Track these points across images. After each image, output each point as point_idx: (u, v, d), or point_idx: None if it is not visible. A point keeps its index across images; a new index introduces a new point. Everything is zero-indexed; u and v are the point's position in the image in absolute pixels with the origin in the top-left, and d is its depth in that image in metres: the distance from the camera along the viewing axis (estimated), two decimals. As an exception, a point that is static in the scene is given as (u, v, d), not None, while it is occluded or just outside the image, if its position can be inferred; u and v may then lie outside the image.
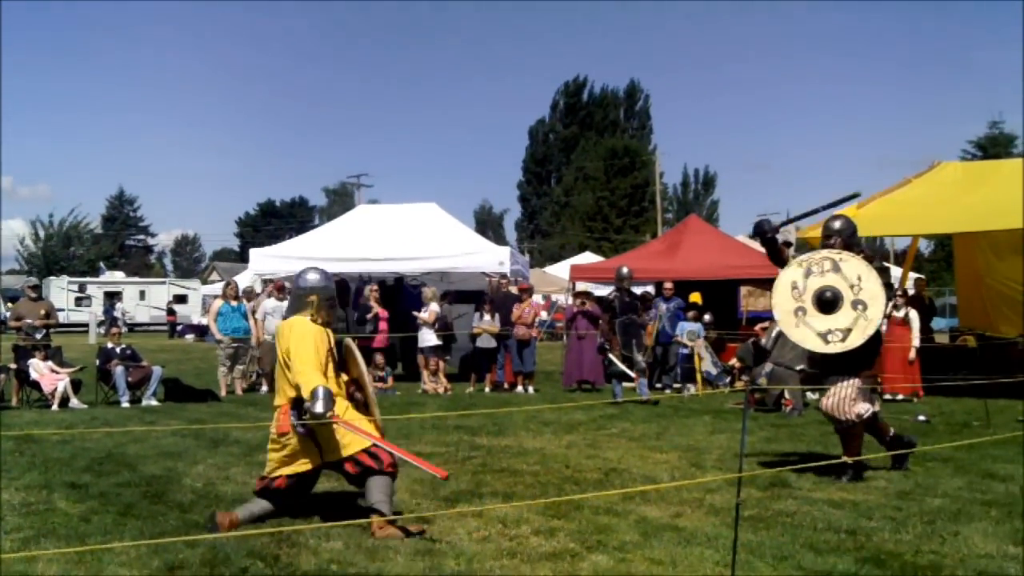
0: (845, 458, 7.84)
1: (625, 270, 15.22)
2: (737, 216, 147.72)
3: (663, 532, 6.11)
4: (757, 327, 15.58)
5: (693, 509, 6.78)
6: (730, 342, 17.35)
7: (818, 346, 7.70)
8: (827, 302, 7.64)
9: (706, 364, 16.43)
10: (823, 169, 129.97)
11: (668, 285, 17.41)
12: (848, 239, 8.07)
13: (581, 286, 18.92)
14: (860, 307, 7.58)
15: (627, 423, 11.88)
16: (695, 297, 17.86)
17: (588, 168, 76.98)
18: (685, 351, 16.34)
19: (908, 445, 8.20)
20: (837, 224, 8.17)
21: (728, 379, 16.31)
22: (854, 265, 7.71)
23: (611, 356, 14.39)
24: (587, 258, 40.78)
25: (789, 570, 5.26)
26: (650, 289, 17.95)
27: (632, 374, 14.18)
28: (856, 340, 7.57)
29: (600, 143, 78.95)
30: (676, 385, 16.53)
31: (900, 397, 14.59)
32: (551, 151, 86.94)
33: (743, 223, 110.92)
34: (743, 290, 18.20)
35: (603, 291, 19.42)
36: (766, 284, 16.75)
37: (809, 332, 7.67)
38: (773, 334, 13.42)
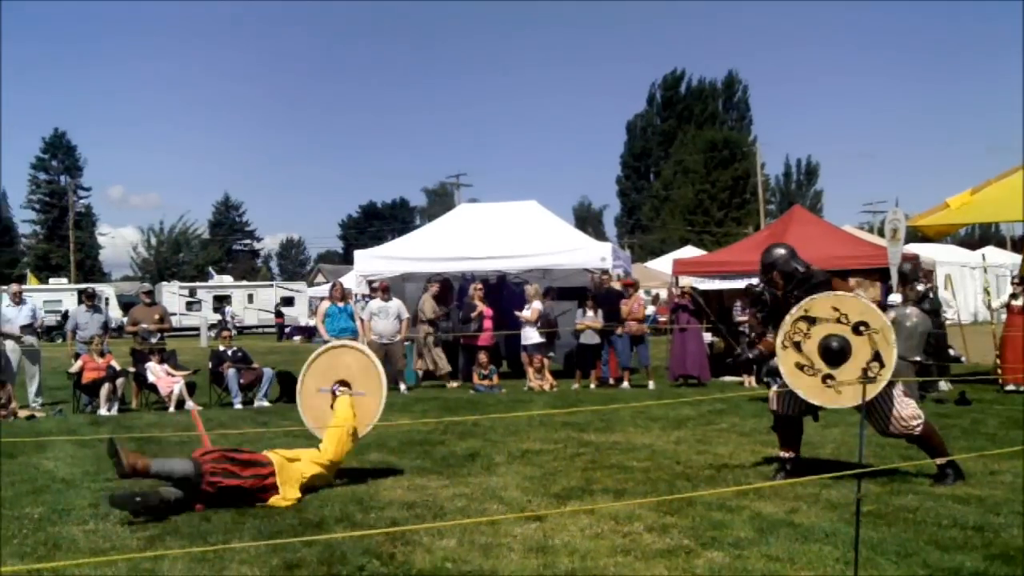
0: (937, 462, 7.40)
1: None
2: (842, 206, 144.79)
3: (779, 528, 5.99)
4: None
5: (809, 505, 6.64)
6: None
7: (872, 389, 7.08)
8: (837, 351, 7.23)
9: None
10: (930, 156, 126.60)
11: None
12: (784, 267, 7.83)
13: (684, 280, 18.68)
14: (863, 327, 7.17)
15: (736, 418, 11.72)
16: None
17: (687, 161, 76.14)
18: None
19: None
20: (773, 256, 7.96)
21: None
22: (822, 303, 7.37)
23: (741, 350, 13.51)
24: (689, 252, 40.33)
25: (914, 568, 5.10)
26: (754, 281, 17.65)
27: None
28: (890, 356, 7.11)
29: (699, 135, 78.01)
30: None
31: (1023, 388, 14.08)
32: (649, 145, 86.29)
33: (849, 213, 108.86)
34: (851, 281, 17.73)
35: (707, 285, 19.23)
36: (875, 274, 16.38)
37: (852, 387, 7.14)
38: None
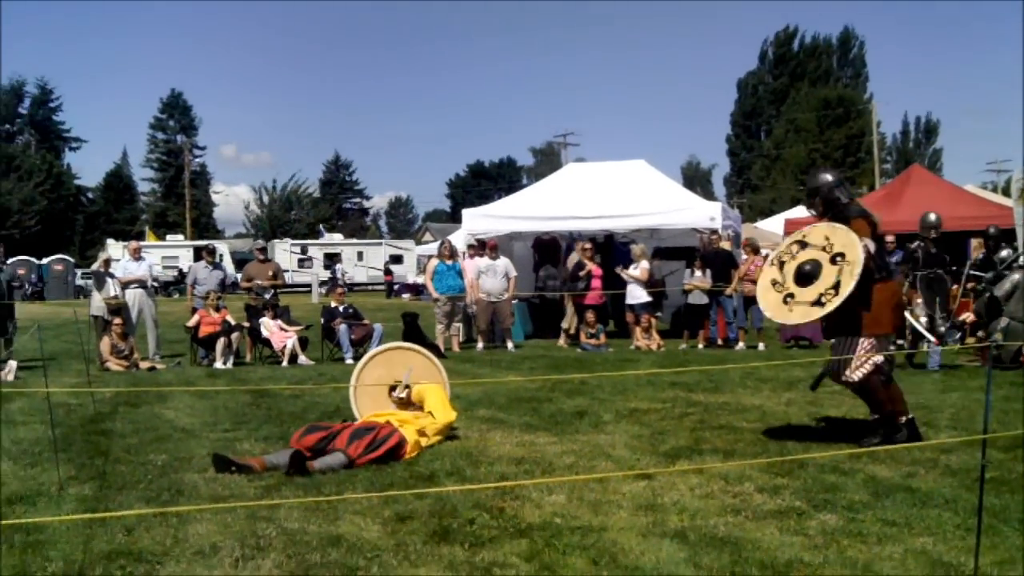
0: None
1: (932, 217, 13.52)
2: (963, 165, 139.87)
3: (895, 492, 5.86)
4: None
5: (927, 470, 6.47)
6: (961, 297, 16.45)
7: (817, 312, 7.31)
8: (807, 275, 7.38)
9: (911, 318, 15.64)
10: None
11: (889, 238, 16.63)
12: (828, 195, 7.67)
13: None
14: (839, 258, 7.22)
15: (849, 381, 11.46)
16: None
17: (800, 120, 74.50)
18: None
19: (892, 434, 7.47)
20: (818, 181, 7.78)
21: (958, 335, 15.48)
22: (818, 231, 7.49)
23: (907, 316, 12.58)
24: (800, 212, 39.44)
25: (1038, 536, 4.94)
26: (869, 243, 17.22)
27: (932, 338, 12.67)
28: (847, 286, 7.11)
29: (812, 93, 76.21)
30: (899, 341, 15.82)
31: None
32: (760, 103, 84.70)
33: (970, 172, 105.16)
34: (973, 242, 17.18)
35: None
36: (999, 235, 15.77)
37: (803, 307, 7.36)
38: (1007, 287, 12.63)
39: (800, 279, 7.44)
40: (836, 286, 7.19)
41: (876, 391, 7.49)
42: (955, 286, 13.71)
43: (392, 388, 8.28)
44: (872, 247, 7.28)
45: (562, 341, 17.49)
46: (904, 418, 7.46)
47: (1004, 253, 14.21)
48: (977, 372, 12.07)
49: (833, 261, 7.26)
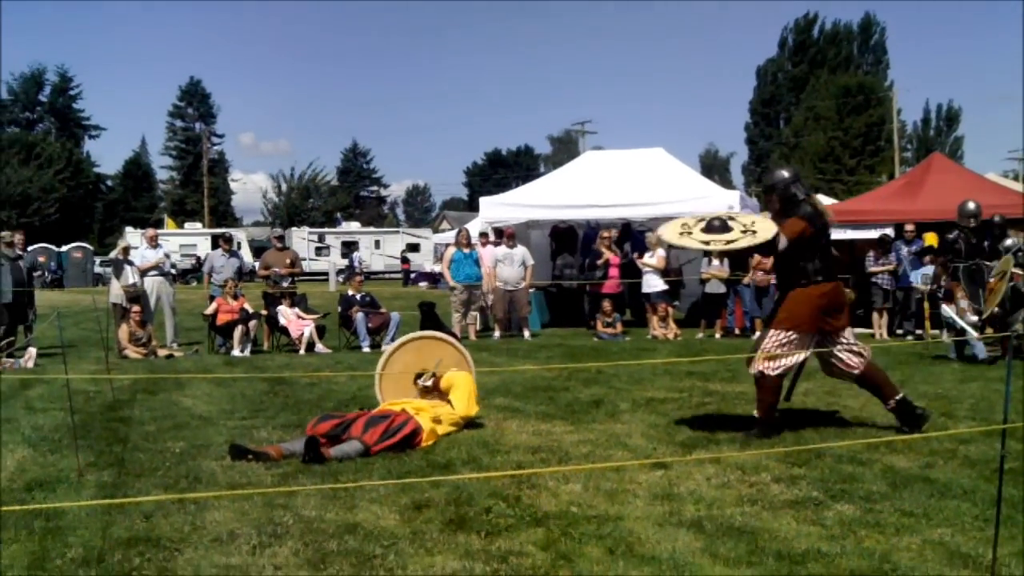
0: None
1: (972, 205, 13.17)
2: (985, 153, 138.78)
3: (913, 483, 5.84)
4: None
5: (946, 460, 6.44)
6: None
7: (697, 241, 7.60)
8: (713, 228, 7.56)
9: (950, 309, 15.57)
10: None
11: (909, 227, 16.61)
12: (784, 192, 7.64)
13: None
14: (750, 234, 7.41)
15: (867, 370, 11.41)
16: (930, 239, 16.93)
17: (819, 107, 73.90)
18: (918, 296, 15.55)
19: (915, 421, 7.51)
20: (774, 178, 7.79)
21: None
22: (750, 216, 7.85)
23: (946, 308, 12.63)
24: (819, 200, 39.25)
25: (1058, 527, 4.91)
26: (889, 231, 17.14)
27: (974, 333, 12.33)
28: (738, 244, 7.41)
29: (832, 81, 75.57)
30: (918, 332, 15.77)
31: None
32: (780, 91, 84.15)
33: (992, 160, 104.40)
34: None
35: (838, 234, 18.70)
36: (1021, 224, 15.67)
37: (698, 235, 7.60)
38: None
39: (706, 230, 7.61)
40: (730, 242, 7.44)
41: (766, 389, 7.50)
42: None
43: (418, 376, 8.27)
44: (783, 243, 7.36)
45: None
46: (764, 422, 7.52)
47: (1009, 242, 14.10)
48: (996, 362, 11.99)
49: (743, 232, 7.46)
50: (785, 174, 7.78)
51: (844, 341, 7.61)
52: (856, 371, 7.61)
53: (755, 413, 7.63)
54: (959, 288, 12.62)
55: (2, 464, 6.72)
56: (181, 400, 9.77)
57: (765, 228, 7.48)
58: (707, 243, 7.56)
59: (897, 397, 7.61)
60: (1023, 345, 12.42)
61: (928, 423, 7.52)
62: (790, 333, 7.42)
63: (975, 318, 12.45)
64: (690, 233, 7.65)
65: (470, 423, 7.89)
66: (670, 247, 17.35)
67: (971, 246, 12.86)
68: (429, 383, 8.13)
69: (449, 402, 7.85)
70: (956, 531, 4.88)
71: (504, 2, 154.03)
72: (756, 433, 7.41)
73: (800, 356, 7.51)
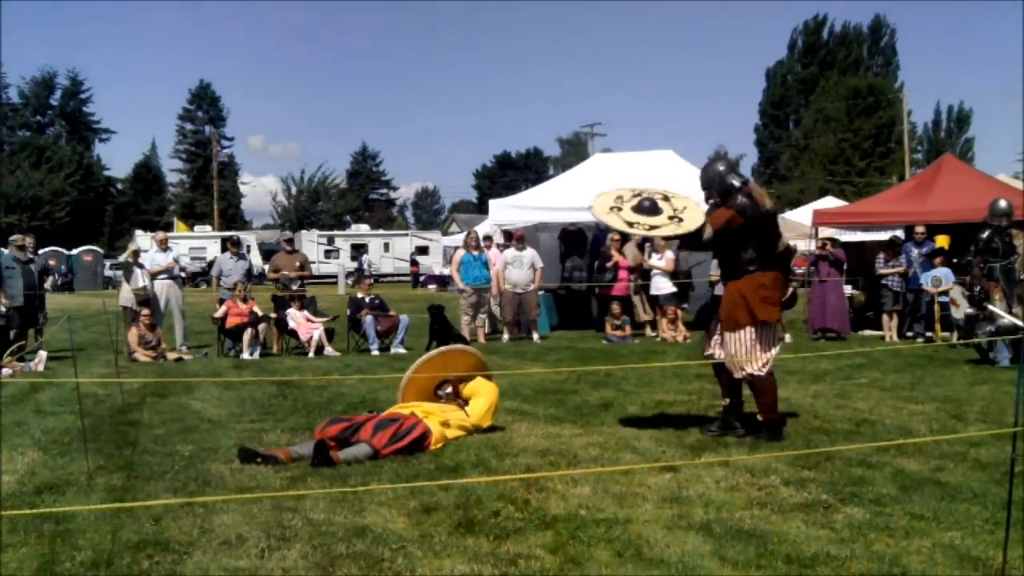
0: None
1: (1003, 204, 12.87)
2: (996, 154, 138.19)
3: (923, 486, 5.82)
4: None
5: (956, 463, 6.42)
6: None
7: (624, 222, 7.60)
8: (643, 208, 7.62)
9: (961, 311, 15.52)
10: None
11: (920, 229, 16.54)
12: (721, 184, 7.66)
13: (824, 232, 18.19)
14: (676, 220, 7.51)
15: (877, 373, 11.41)
16: (941, 241, 16.90)
17: (829, 109, 73.78)
18: (928, 299, 15.51)
19: (773, 435, 7.47)
20: (709, 173, 7.80)
21: (990, 328, 15.31)
22: (685, 199, 7.83)
23: (992, 308, 12.05)
24: (829, 203, 39.19)
25: (1068, 531, 4.89)
26: (899, 233, 17.10)
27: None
28: (663, 231, 7.56)
29: (842, 82, 75.43)
30: (928, 334, 15.73)
31: None
32: (789, 93, 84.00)
33: (1003, 161, 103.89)
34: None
35: (848, 236, 18.66)
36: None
37: (627, 213, 7.63)
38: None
39: (636, 208, 7.65)
40: (653, 228, 7.56)
41: (764, 390, 7.47)
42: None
43: (439, 386, 8.22)
44: (708, 233, 7.42)
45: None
46: (771, 422, 7.49)
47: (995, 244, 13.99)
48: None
49: (671, 219, 7.53)
50: (720, 167, 7.83)
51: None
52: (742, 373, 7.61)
53: (758, 417, 7.57)
54: (997, 288, 12.28)
55: (12, 468, 6.74)
56: (190, 403, 9.78)
57: (692, 217, 7.53)
58: (631, 224, 7.60)
59: (775, 417, 7.62)
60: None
61: (767, 443, 7.32)
62: (753, 329, 7.42)
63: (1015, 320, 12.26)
64: (620, 209, 7.67)
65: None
66: (679, 249, 17.42)
67: (1007, 245, 12.53)
68: (448, 390, 8.11)
69: (464, 405, 7.84)
70: (966, 534, 4.86)
71: (514, 4, 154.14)
72: (766, 436, 7.38)
73: (777, 348, 7.51)
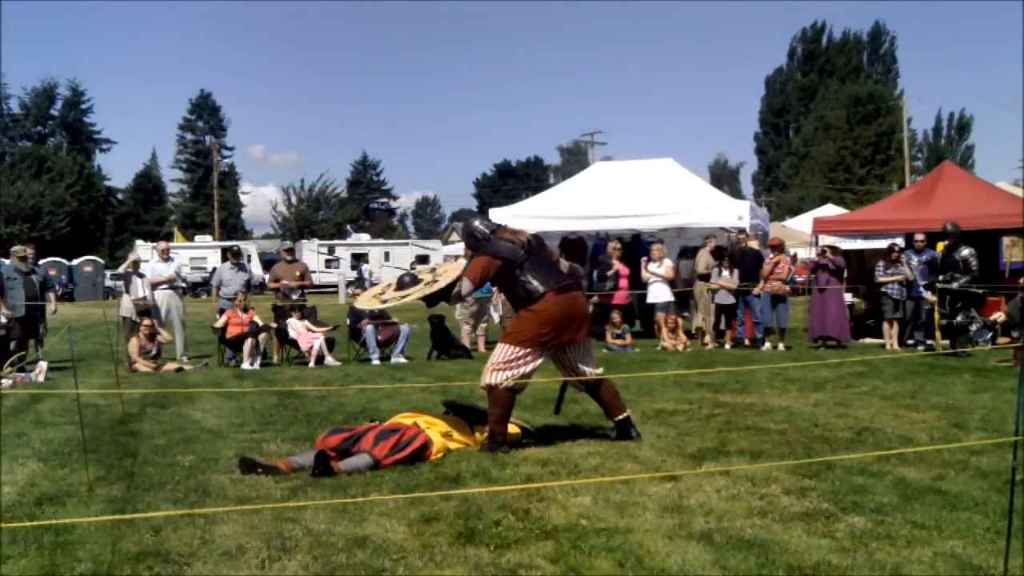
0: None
1: (948, 227, 13.23)
2: (997, 162, 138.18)
3: (925, 495, 5.81)
4: (1022, 280, 14.56)
5: (957, 472, 6.41)
6: (991, 296, 16.31)
7: (372, 302, 8.38)
8: (405, 284, 8.08)
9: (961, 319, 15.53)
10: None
11: (919, 237, 16.55)
12: (470, 237, 8.01)
13: (824, 240, 18.22)
14: (431, 284, 7.92)
15: (878, 381, 11.40)
16: (941, 248, 16.91)
17: (829, 117, 73.95)
18: (928, 307, 15.52)
19: (628, 437, 7.71)
20: (464, 228, 8.15)
21: (989, 335, 15.33)
22: (447, 264, 8.61)
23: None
24: (829, 210, 39.25)
25: (1070, 539, 4.87)
26: (899, 241, 17.11)
27: None
28: (413, 295, 7.87)
29: (842, 90, 75.62)
30: (929, 342, 15.72)
31: None
32: (789, 101, 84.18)
33: (1003, 169, 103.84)
34: (1005, 240, 17.04)
35: (848, 244, 18.69)
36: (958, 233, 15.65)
37: (375, 301, 8.39)
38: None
39: (397, 287, 8.14)
40: (405, 297, 7.97)
41: (496, 402, 7.46)
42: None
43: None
44: (467, 288, 7.62)
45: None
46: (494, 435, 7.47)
47: (965, 252, 14.22)
48: (1008, 373, 11.95)
49: (427, 284, 7.93)
50: (473, 221, 8.21)
51: (580, 353, 7.75)
52: (590, 383, 7.77)
53: (487, 427, 7.57)
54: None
55: (12, 479, 6.73)
56: (191, 414, 9.78)
57: (448, 274, 7.95)
58: (384, 301, 8.16)
59: (622, 416, 7.76)
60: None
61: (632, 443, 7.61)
62: (516, 349, 7.48)
63: None
64: (383, 293, 8.29)
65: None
66: (679, 258, 17.43)
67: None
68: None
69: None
70: (967, 543, 4.86)
71: (514, 13, 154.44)
72: (487, 447, 7.38)
73: (527, 368, 7.52)
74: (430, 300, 7.92)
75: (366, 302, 8.35)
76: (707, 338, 17.07)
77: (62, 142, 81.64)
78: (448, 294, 7.72)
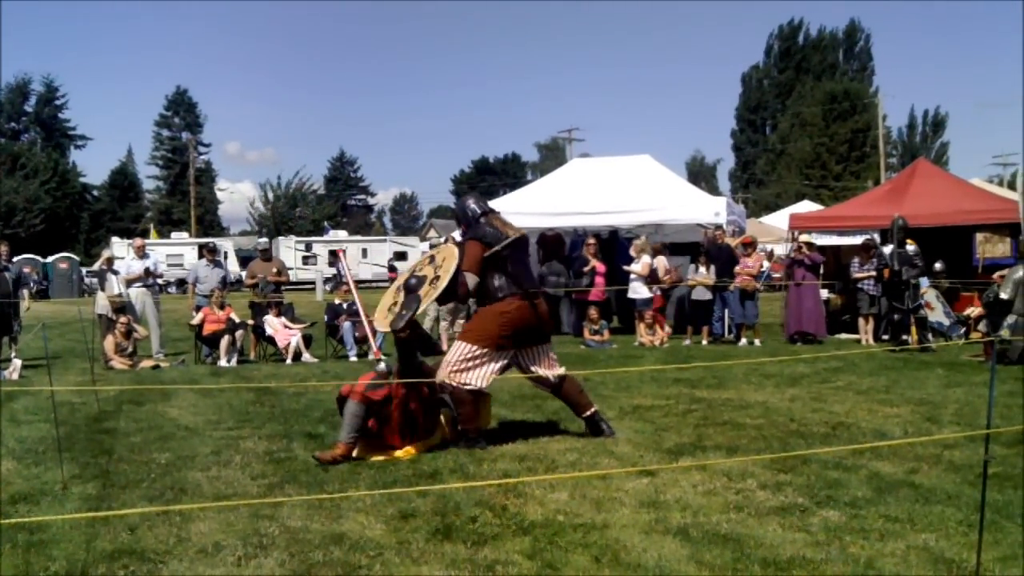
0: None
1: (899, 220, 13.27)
2: (970, 158, 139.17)
3: (898, 488, 5.86)
4: (995, 275, 14.66)
5: (930, 466, 6.47)
6: (964, 291, 16.43)
7: (384, 321, 7.85)
8: (412, 287, 7.84)
9: (936, 315, 15.63)
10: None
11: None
12: (464, 215, 7.97)
13: (803, 237, 18.28)
14: (435, 280, 7.70)
15: (853, 376, 11.47)
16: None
17: (805, 114, 74.35)
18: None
19: (600, 432, 7.72)
20: (458, 205, 8.22)
21: (962, 330, 15.45)
22: (442, 250, 8.06)
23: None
24: (805, 207, 39.43)
25: (1041, 531, 4.93)
26: (875, 237, 17.19)
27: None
28: (425, 302, 7.73)
29: (818, 87, 76.03)
30: (904, 337, 15.80)
31: None
32: (765, 98, 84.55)
33: (976, 166, 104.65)
34: (979, 236, 17.13)
35: (824, 240, 18.76)
36: (1004, 229, 15.76)
37: (389, 315, 7.89)
38: (1010, 286, 12.56)
39: (405, 289, 7.91)
40: (412, 302, 7.74)
41: (461, 402, 7.51)
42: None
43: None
44: (472, 281, 7.50)
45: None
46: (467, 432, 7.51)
47: (911, 249, 14.37)
48: (981, 368, 12.04)
49: (431, 283, 7.73)
50: (468, 199, 8.15)
51: (541, 354, 7.76)
52: (552, 384, 7.78)
53: (458, 425, 7.59)
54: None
55: (-14, 477, 6.69)
56: (167, 411, 9.73)
57: (448, 261, 7.71)
58: (403, 315, 7.70)
59: (589, 412, 7.80)
60: (1009, 352, 12.50)
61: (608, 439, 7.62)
62: (474, 348, 7.50)
63: None
64: (395, 304, 7.95)
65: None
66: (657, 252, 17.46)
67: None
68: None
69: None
70: (941, 536, 4.90)
71: (491, 9, 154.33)
72: (463, 444, 7.41)
73: (485, 370, 7.52)
74: (441, 299, 7.92)
75: (383, 323, 7.97)
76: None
77: (36, 138, 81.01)
78: (455, 292, 7.64)
